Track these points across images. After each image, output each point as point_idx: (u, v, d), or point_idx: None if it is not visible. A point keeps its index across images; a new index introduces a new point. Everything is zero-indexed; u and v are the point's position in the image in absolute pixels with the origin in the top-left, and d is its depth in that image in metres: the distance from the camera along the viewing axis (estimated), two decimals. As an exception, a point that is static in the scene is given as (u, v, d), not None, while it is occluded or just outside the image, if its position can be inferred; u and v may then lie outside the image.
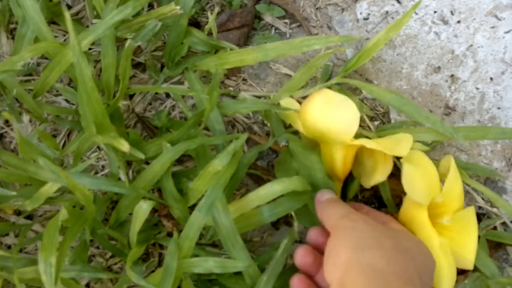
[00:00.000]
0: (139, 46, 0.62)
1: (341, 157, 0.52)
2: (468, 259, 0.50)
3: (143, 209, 0.49)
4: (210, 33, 0.61)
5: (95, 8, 0.59)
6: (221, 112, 0.57)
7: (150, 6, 0.65)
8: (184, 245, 0.48)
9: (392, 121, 0.62)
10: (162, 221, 0.53)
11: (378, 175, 0.53)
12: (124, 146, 0.43)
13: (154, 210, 0.55)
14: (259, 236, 0.60)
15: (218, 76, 0.50)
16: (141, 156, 0.51)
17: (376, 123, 0.62)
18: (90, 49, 0.62)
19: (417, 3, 0.56)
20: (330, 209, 0.46)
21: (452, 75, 0.63)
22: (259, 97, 0.63)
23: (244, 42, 0.64)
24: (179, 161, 0.60)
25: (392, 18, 0.65)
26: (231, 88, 0.63)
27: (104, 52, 0.55)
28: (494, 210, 0.59)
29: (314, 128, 0.51)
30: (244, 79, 0.64)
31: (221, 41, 0.59)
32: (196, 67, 0.59)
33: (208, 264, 0.48)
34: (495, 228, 0.59)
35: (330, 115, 0.50)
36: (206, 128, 0.57)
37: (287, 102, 0.57)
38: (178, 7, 0.56)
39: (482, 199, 0.60)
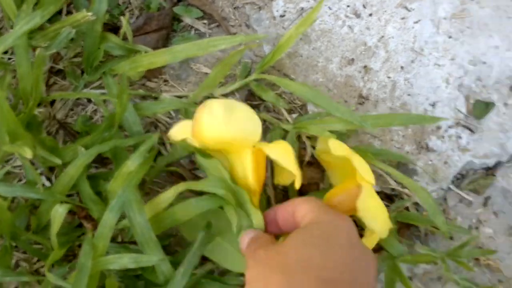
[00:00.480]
0: (58, 53, 0.64)
1: (251, 162, 0.50)
2: (384, 228, 0.51)
3: (59, 212, 0.50)
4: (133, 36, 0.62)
5: (11, 18, 0.60)
6: (140, 113, 0.59)
7: (69, 13, 0.66)
8: (99, 244, 0.50)
9: (310, 112, 0.65)
10: (83, 222, 0.55)
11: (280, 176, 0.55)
12: (27, 153, 0.45)
13: (75, 213, 0.56)
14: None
15: (125, 79, 0.52)
16: (58, 161, 0.53)
17: (294, 115, 0.65)
18: (9, 58, 0.63)
19: (320, 1, 0.58)
20: (246, 256, 0.45)
21: (365, 66, 0.66)
22: (180, 97, 0.65)
23: (163, 44, 0.65)
24: (103, 163, 0.62)
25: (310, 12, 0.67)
26: (142, 90, 0.64)
27: (18, 62, 0.56)
28: (406, 191, 0.62)
29: (217, 140, 0.50)
30: (165, 80, 0.66)
31: (135, 45, 0.60)
32: (113, 71, 0.60)
33: (123, 261, 0.49)
34: (407, 208, 0.62)
35: (232, 121, 0.49)
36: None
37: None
38: (90, 14, 0.57)
39: (395, 181, 0.62)
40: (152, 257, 0.50)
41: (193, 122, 0.51)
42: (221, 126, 0.49)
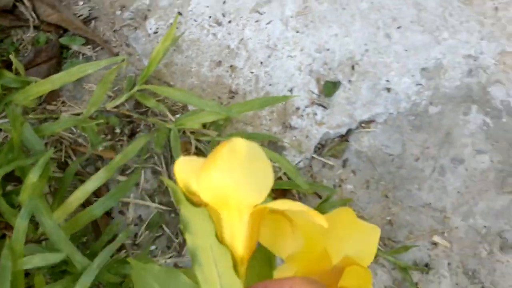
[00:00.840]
0: (-36, 93, 0.73)
1: (245, 227, 0.36)
2: None
3: (-22, 228, 0.61)
4: (27, 69, 0.73)
5: None
6: (41, 134, 0.69)
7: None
8: (16, 247, 0.60)
9: (190, 111, 0.77)
10: (4, 232, 0.65)
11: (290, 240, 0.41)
12: None
13: (-3, 226, 0.67)
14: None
15: (17, 109, 0.62)
16: (-27, 185, 0.63)
17: (178, 115, 0.76)
18: None
19: (175, 18, 0.70)
20: None
21: (231, 66, 0.78)
22: (78, 114, 0.76)
23: (55, 71, 0.76)
24: (20, 181, 0.72)
25: (177, 28, 0.79)
26: (42, 114, 0.75)
27: None
28: (277, 164, 0.75)
29: (216, 189, 0.34)
30: (63, 102, 0.76)
31: (27, 77, 0.71)
32: (13, 101, 0.70)
33: (35, 260, 0.60)
34: (280, 178, 0.75)
35: (239, 169, 0.34)
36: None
37: None
38: (-17, 58, 0.67)
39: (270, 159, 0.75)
40: (59, 255, 0.61)
41: (208, 157, 0.36)
42: (229, 171, 0.33)
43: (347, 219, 0.34)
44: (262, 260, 0.36)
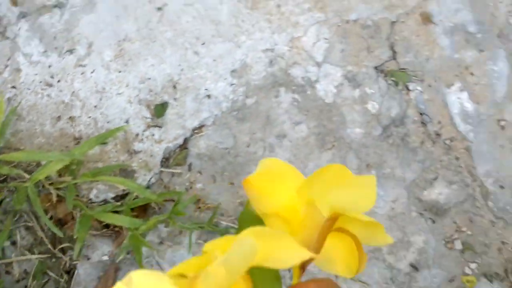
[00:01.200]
0: None
1: None
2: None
3: None
4: None
5: None
6: None
7: None
8: None
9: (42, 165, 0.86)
10: None
11: None
12: None
13: None
14: None
15: None
16: None
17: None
18: None
19: (0, 98, 0.80)
20: None
21: (70, 117, 0.89)
22: None
23: None
24: None
25: (14, 99, 0.89)
26: None
27: None
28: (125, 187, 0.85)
29: None
30: None
31: None
32: None
33: None
34: (137, 196, 0.85)
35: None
36: None
37: None
38: None
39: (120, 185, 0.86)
40: None
41: None
42: None
43: (338, 173, 0.34)
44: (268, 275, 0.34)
